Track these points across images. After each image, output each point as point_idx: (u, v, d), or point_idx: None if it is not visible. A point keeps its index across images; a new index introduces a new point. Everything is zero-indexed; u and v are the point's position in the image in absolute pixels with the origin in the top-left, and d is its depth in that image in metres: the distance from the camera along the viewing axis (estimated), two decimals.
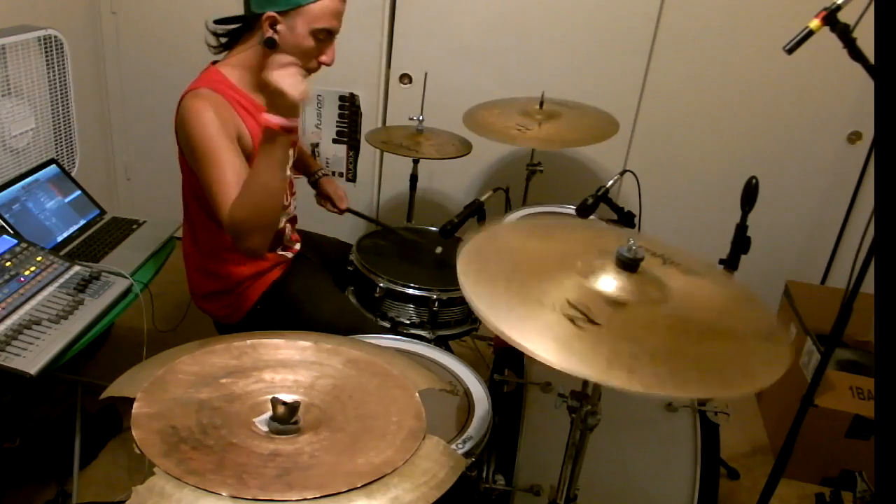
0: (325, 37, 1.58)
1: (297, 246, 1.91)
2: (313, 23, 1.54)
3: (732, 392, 0.92)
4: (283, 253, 1.84)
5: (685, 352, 0.97)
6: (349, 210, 2.10)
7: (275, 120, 1.39)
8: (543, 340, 0.93)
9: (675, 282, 1.10)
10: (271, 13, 1.53)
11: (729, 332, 1.03)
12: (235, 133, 1.56)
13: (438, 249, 2.07)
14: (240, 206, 1.46)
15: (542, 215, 2.20)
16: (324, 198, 2.09)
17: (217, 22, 1.67)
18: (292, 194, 1.85)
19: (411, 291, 1.83)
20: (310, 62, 1.61)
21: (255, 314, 1.78)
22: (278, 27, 1.55)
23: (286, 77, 1.38)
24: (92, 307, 1.58)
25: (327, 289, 1.86)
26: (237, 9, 1.65)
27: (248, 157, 1.60)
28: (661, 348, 0.96)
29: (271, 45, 1.56)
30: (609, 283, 1.05)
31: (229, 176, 1.49)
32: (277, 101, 1.38)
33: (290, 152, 1.66)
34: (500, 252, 1.15)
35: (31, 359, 1.39)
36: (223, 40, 1.68)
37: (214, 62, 1.68)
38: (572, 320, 0.96)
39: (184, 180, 1.69)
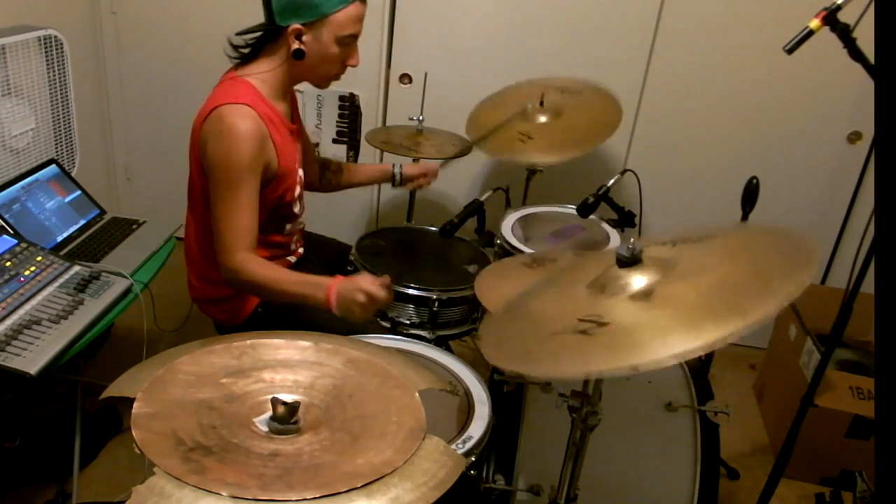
0: (350, 41, 1.59)
1: (301, 250, 1.91)
2: (339, 31, 1.55)
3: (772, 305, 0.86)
4: (287, 258, 1.85)
5: (715, 301, 0.92)
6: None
7: (333, 305, 1.48)
8: (565, 363, 0.92)
9: (689, 254, 1.05)
10: (297, 25, 1.53)
11: (757, 270, 0.98)
12: (264, 166, 1.57)
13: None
14: (253, 277, 1.52)
15: (538, 221, 2.21)
16: (416, 181, 2.15)
17: (239, 33, 1.65)
18: (303, 208, 1.84)
19: (411, 291, 1.83)
20: (336, 67, 1.62)
21: (257, 316, 1.78)
22: (304, 38, 1.55)
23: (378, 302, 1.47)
24: (92, 307, 1.58)
25: None
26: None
27: (273, 179, 1.61)
28: (692, 306, 0.92)
29: (300, 57, 1.57)
30: (630, 284, 1.02)
31: (245, 219, 1.52)
32: (355, 309, 1.46)
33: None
34: (518, 319, 1.13)
35: (31, 359, 1.39)
36: (244, 51, 1.65)
37: (234, 69, 1.64)
38: (584, 332, 0.95)
39: (195, 184, 1.65)
